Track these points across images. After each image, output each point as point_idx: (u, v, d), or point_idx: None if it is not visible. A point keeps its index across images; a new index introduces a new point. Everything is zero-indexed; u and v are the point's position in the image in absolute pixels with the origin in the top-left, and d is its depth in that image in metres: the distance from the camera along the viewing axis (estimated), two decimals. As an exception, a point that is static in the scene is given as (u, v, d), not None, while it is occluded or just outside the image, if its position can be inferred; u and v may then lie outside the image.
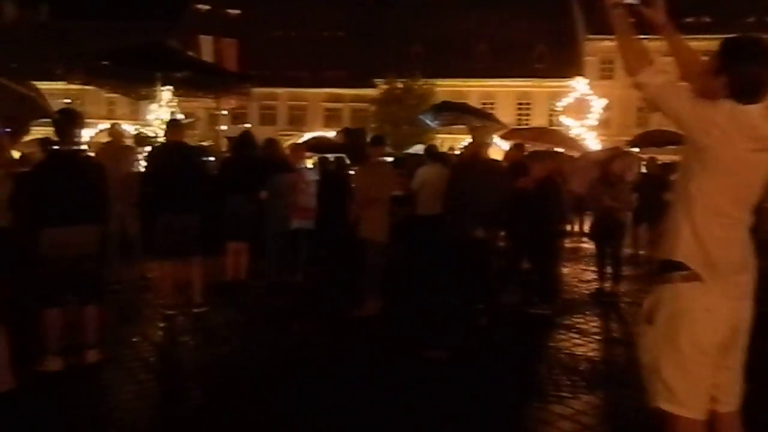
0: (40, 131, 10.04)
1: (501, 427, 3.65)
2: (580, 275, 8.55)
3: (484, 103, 31.00)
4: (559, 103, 28.40)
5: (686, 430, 2.11)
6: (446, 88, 32.95)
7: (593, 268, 7.87)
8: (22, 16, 45.38)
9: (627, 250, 8.68)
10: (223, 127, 24.40)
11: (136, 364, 4.48)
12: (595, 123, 27.02)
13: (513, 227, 6.97)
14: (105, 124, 12.31)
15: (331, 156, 9.66)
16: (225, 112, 27.50)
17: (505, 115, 26.39)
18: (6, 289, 3.78)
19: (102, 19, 42.24)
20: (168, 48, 11.49)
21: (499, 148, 13.79)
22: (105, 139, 8.54)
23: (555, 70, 35.81)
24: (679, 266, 2.12)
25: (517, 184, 6.51)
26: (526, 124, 33.53)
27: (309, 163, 9.96)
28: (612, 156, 8.27)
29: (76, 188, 4.13)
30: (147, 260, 7.02)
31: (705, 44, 2.57)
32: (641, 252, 9.71)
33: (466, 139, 6.10)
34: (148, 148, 7.56)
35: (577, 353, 5.03)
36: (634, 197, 8.69)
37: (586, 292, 7.46)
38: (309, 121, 38.81)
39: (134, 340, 5.06)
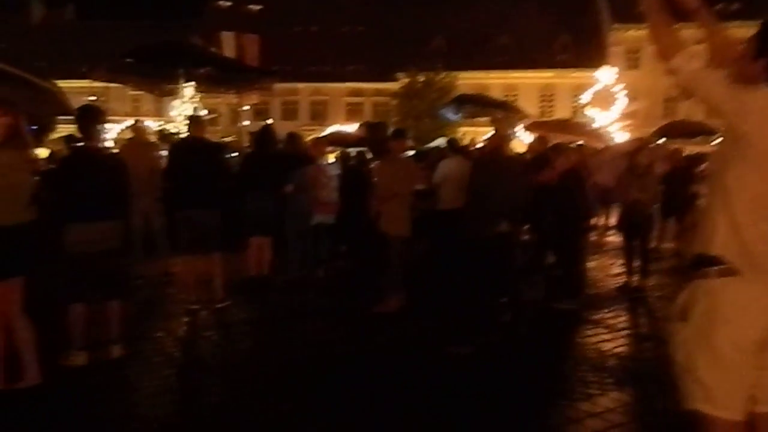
0: (67, 129, 10.19)
1: (527, 425, 3.58)
2: (607, 269, 8.39)
3: (506, 96, 30.64)
4: (583, 95, 27.92)
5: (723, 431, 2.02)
6: (468, 80, 32.66)
7: (620, 262, 7.72)
8: (49, 16, 46.21)
9: (654, 244, 8.49)
10: (246, 123, 24.58)
11: (159, 358, 4.50)
12: (621, 114, 26.53)
13: (537, 221, 6.86)
14: (130, 121, 12.45)
15: (352, 150, 9.61)
16: (247, 108, 27.69)
17: (528, 107, 25.93)
18: (31, 285, 3.81)
19: (126, 18, 42.80)
20: (190, 44, 11.57)
21: (521, 140, 13.62)
22: (129, 135, 8.61)
23: (579, 61, 35.19)
24: (716, 260, 2.02)
25: (540, 177, 6.39)
26: (549, 117, 33.07)
27: (331, 158, 9.94)
28: (639, 147, 8.08)
29: (98, 184, 4.15)
30: (171, 256, 7.07)
31: (735, 31, 2.45)
32: (668, 245, 9.50)
33: (488, 132, 5.98)
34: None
35: (604, 349, 4.91)
36: (661, 190, 8.49)
37: (613, 286, 7.31)
38: (330, 116, 38.81)
39: (157, 335, 5.09)
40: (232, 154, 11.58)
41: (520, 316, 5.28)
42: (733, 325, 1.99)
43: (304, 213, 7.00)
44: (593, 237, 9.96)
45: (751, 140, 1.94)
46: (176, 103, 11.12)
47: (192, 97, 10.99)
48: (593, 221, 10.01)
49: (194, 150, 5.88)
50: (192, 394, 4.04)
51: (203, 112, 11.10)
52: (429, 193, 7.35)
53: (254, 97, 17.58)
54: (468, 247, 5.80)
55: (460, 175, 6.50)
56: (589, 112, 26.76)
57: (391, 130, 8.17)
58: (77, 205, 4.13)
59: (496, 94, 26.44)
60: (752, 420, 2.07)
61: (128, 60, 9.56)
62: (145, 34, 29.64)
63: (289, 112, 40.68)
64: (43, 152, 13.12)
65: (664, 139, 14.59)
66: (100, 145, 4.43)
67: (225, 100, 23.06)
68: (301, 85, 39.08)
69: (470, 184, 5.46)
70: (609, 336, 5.30)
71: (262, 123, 12.09)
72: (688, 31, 2.27)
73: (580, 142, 8.20)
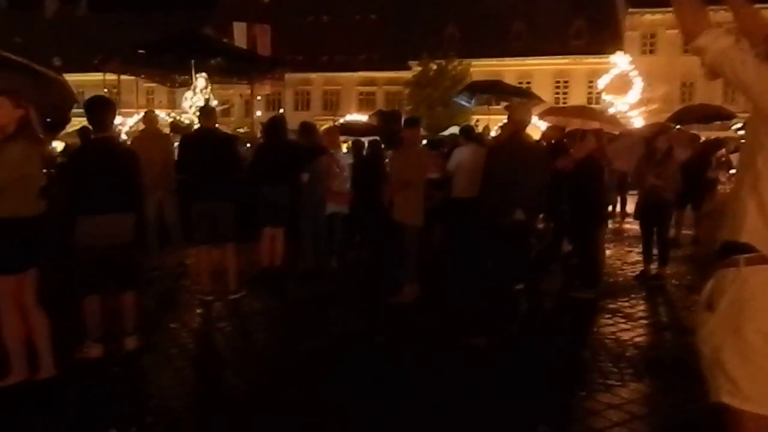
0: (82, 121, 10.23)
1: (546, 416, 3.51)
2: (624, 257, 8.28)
3: (520, 83, 30.31)
4: (599, 81, 27.52)
5: (752, 426, 1.94)
6: (481, 68, 32.39)
7: (637, 250, 7.60)
8: (62, 10, 46.50)
9: (672, 231, 8.34)
10: (258, 113, 24.56)
11: (174, 350, 4.50)
12: (637, 100, 26.13)
13: (553, 209, 6.76)
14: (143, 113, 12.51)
15: (365, 139, 9.56)
16: (260, 98, 27.69)
17: (542, 94, 25.66)
18: (46, 277, 3.81)
19: (138, 10, 42.95)
20: (201, 35, 11.55)
21: (536, 127, 13.44)
22: (142, 127, 8.62)
23: (593, 47, 34.71)
24: (744, 248, 1.93)
25: (556, 165, 6.29)
26: (564, 104, 32.68)
27: (344, 148, 9.87)
28: (657, 133, 7.91)
29: (109, 176, 4.13)
30: (185, 247, 7.08)
31: (765, 12, 2.35)
32: (686, 232, 9.35)
33: (503, 119, 5.87)
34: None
35: (623, 339, 4.83)
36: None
37: (631, 274, 7.21)
38: (343, 106, 38.75)
39: (172, 326, 5.09)
40: (246, 145, 11.57)
41: (538, 306, 5.20)
42: (763, 315, 1.90)
43: (319, 203, 6.96)
44: (611, 224, 9.83)
45: (781, 121, 1.85)
46: (189, 94, 11.13)
47: (204, 88, 10.99)
48: (610, 208, 9.88)
49: (206, 141, 5.86)
50: (207, 385, 4.03)
51: (215, 103, 11.09)
52: (443, 182, 7.28)
53: (267, 88, 17.56)
54: (483, 236, 5.73)
55: (475, 164, 6.41)
56: (606, 97, 26.40)
57: (404, 119, 8.09)
58: (88, 198, 4.12)
59: (510, 81, 26.00)
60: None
61: (140, 52, 9.56)
62: (158, 26, 29.73)
63: (302, 102, 40.69)
64: (59, 145, 13.22)
65: (678, 127, 14.29)
66: (109, 136, 4.40)
67: (237, 91, 23.07)
68: (313, 75, 39.03)
69: (485, 172, 5.38)
70: (628, 325, 5.21)
71: (275, 113, 12.08)
72: (718, 13, 2.16)
73: (598, 128, 8.05)
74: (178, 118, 12.17)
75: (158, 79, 13.14)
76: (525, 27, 37.35)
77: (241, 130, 22.03)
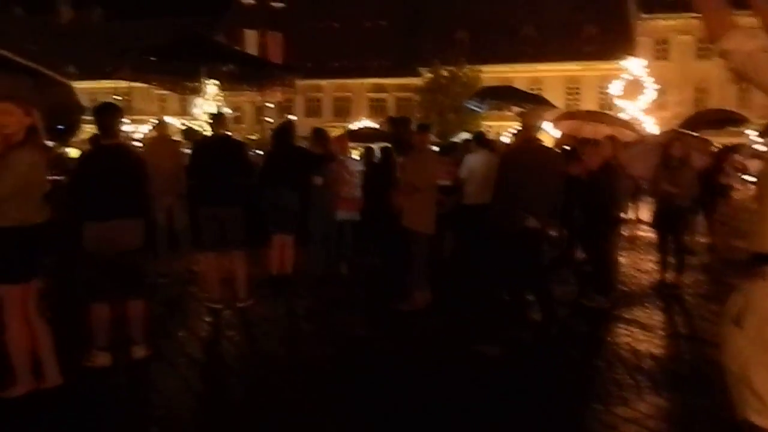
0: (94, 128, 10.25)
1: (560, 429, 3.42)
2: (639, 265, 8.14)
3: (531, 89, 30.17)
4: (612, 86, 27.33)
5: (781, 447, 1.85)
6: (492, 74, 32.26)
7: (652, 258, 7.46)
8: (76, 17, 47.05)
9: (686, 239, 8.20)
10: (269, 120, 24.63)
11: (181, 359, 4.44)
12: (650, 106, 25.92)
13: (566, 216, 6.66)
14: (156, 121, 12.53)
15: (375, 145, 9.49)
16: (271, 105, 27.76)
17: (554, 100, 25.54)
18: (53, 285, 3.77)
19: (151, 17, 43.35)
20: (212, 41, 11.56)
21: (548, 133, 13.31)
22: (153, 134, 8.63)
23: (605, 52, 34.48)
24: (773, 259, 1.84)
25: (570, 171, 6.18)
26: (576, 109, 32.50)
27: (355, 154, 9.82)
28: (672, 139, 7.78)
29: (116, 182, 4.09)
30: (194, 253, 7.04)
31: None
32: (701, 240, 9.19)
33: (514, 125, 5.80)
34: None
35: (639, 349, 4.71)
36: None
37: (647, 283, 7.08)
38: (354, 112, 38.76)
39: (180, 334, 5.04)
40: (257, 152, 11.55)
41: (551, 314, 5.10)
42: (794, 331, 1.81)
43: (329, 210, 6.91)
44: (624, 231, 9.69)
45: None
46: (199, 101, 11.13)
47: (215, 95, 10.99)
48: (624, 215, 9.73)
49: (217, 147, 5.84)
50: (215, 394, 3.96)
51: (226, 110, 11.09)
52: (454, 188, 7.20)
53: (277, 94, 17.54)
54: (495, 243, 5.64)
55: (486, 170, 6.33)
56: (619, 103, 26.22)
57: (414, 125, 8.02)
58: (95, 204, 4.08)
59: (521, 87, 25.99)
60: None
61: (151, 58, 9.57)
62: (169, 33, 29.93)
63: (313, 108, 40.76)
64: (73, 152, 13.27)
65: (696, 134, 14.07)
66: (117, 142, 4.37)
67: (248, 97, 23.14)
68: (324, 82, 39.12)
69: (498, 179, 5.30)
70: (644, 335, 5.09)
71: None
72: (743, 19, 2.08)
73: (612, 134, 7.93)
74: (191, 125, 12.17)
75: (168, 86, 13.14)
76: (536, 32, 37.23)
77: (252, 137, 22.09)
